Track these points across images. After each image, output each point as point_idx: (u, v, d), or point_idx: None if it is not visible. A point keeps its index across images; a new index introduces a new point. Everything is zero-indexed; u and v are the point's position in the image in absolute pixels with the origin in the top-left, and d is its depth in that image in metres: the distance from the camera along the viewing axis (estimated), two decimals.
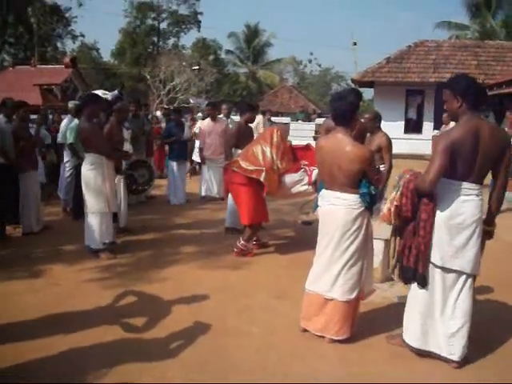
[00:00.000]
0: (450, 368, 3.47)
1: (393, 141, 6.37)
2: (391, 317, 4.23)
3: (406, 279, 3.61)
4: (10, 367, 3.41)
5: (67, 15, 38.08)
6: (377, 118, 6.13)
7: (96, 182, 5.87)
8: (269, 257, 6.19)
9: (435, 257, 3.44)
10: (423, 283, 3.50)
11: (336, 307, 3.81)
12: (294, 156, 6.10)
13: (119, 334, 3.94)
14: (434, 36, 34.82)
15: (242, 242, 6.13)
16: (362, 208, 3.75)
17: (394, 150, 6.32)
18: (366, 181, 3.73)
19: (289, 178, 5.91)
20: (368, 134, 6.21)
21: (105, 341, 3.81)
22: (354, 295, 3.82)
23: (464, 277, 3.45)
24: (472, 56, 20.17)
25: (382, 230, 4.85)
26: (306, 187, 5.90)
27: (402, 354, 3.67)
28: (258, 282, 5.24)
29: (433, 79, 19.23)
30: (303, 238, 6.81)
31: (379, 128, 6.12)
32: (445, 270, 3.45)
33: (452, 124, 11.75)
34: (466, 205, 3.38)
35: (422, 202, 3.43)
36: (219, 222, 7.77)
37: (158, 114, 16.08)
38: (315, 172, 5.65)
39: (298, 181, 5.92)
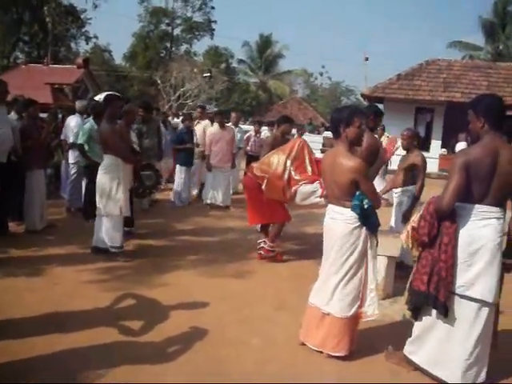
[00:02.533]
0: None
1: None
2: (391, 334, 4.19)
3: (416, 304, 3.48)
4: (2, 365, 3.37)
5: (82, 16, 38.36)
6: (415, 137, 6.16)
7: (111, 184, 5.86)
8: (271, 267, 6.14)
9: (455, 285, 3.31)
10: (444, 312, 3.32)
11: (333, 322, 3.76)
12: (318, 169, 6.09)
13: (116, 336, 3.91)
14: (447, 55, 34.76)
15: (269, 243, 6.27)
16: (359, 223, 3.69)
17: None
18: (360, 193, 3.68)
19: (303, 189, 5.95)
20: (404, 152, 6.23)
21: (101, 342, 3.78)
22: (351, 312, 3.75)
23: (488, 307, 3.30)
24: (483, 77, 20.13)
25: (384, 246, 4.80)
26: (318, 199, 5.89)
27: (401, 372, 3.62)
28: (259, 293, 5.21)
29: (443, 98, 19.22)
30: (306, 250, 6.78)
31: (416, 147, 6.13)
32: (468, 299, 3.30)
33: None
34: (485, 229, 3.24)
35: (444, 225, 3.31)
36: (223, 230, 7.74)
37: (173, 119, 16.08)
38: None
39: (311, 192, 5.94)
